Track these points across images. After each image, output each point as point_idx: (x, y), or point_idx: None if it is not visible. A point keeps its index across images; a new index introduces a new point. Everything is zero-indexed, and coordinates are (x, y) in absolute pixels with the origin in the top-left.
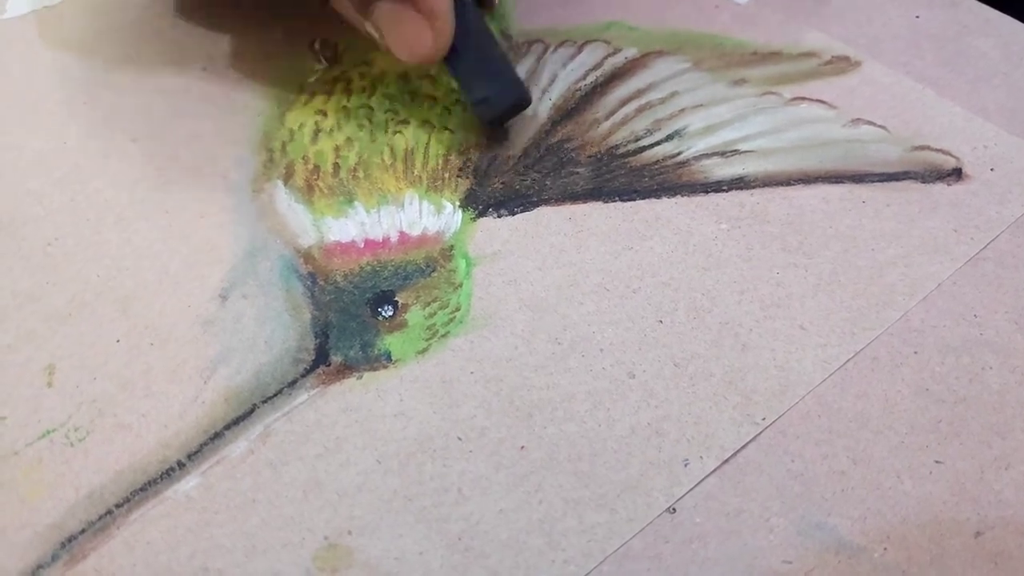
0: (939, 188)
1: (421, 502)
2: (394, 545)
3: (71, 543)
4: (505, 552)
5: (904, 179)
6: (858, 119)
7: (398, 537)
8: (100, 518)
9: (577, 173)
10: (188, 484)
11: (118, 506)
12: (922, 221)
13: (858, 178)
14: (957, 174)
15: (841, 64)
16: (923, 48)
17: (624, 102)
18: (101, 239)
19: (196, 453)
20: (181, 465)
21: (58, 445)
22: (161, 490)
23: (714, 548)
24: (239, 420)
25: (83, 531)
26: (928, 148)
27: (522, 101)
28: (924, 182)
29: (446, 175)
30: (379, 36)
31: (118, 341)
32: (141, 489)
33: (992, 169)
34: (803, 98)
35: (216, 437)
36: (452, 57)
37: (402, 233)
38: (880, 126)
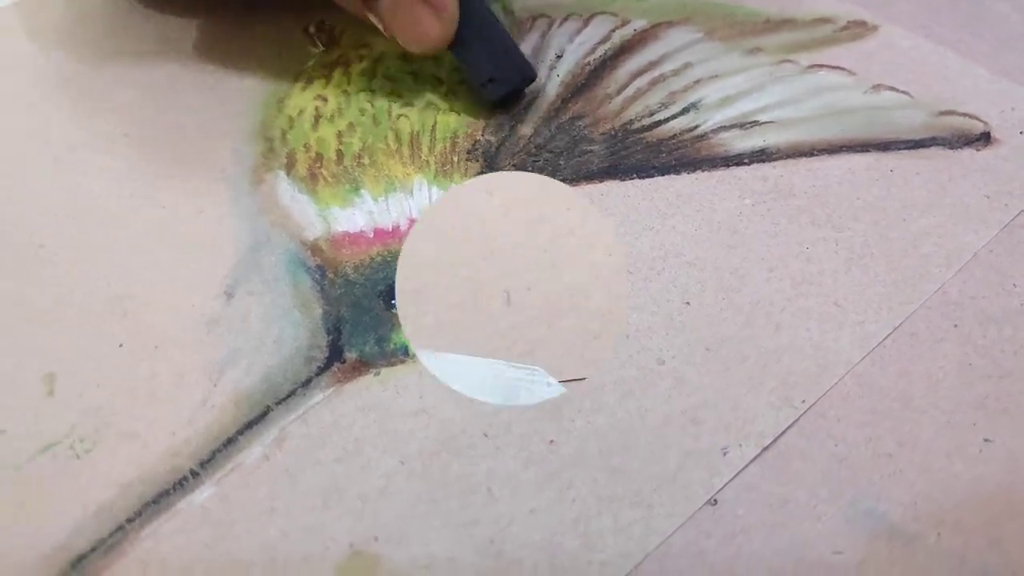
0: (968, 154)
1: (448, 504)
2: (422, 552)
3: (81, 563)
4: (539, 555)
5: (931, 146)
6: (879, 85)
7: (426, 543)
8: (111, 535)
9: (591, 151)
10: (202, 495)
11: (129, 521)
12: (953, 189)
13: (883, 146)
14: (985, 139)
15: (857, 29)
16: (940, 11)
17: (636, 75)
18: (95, 238)
19: (209, 461)
20: (194, 474)
21: (62, 458)
22: (174, 502)
23: (759, 541)
24: (252, 424)
25: (93, 550)
26: (954, 113)
27: (528, 78)
28: (952, 148)
29: (455, 158)
30: (383, 26)
31: (120, 345)
32: (153, 502)
33: (1021, 132)
34: (821, 65)
35: (229, 443)
36: (456, 42)
37: (413, 220)
38: (903, 91)
